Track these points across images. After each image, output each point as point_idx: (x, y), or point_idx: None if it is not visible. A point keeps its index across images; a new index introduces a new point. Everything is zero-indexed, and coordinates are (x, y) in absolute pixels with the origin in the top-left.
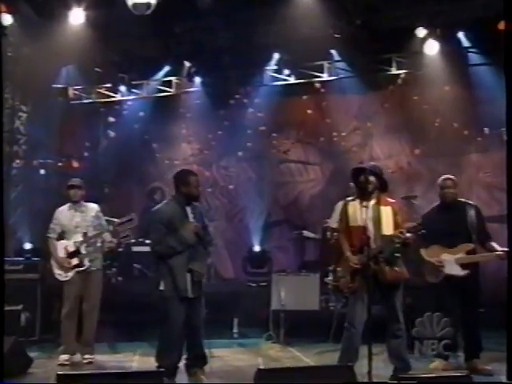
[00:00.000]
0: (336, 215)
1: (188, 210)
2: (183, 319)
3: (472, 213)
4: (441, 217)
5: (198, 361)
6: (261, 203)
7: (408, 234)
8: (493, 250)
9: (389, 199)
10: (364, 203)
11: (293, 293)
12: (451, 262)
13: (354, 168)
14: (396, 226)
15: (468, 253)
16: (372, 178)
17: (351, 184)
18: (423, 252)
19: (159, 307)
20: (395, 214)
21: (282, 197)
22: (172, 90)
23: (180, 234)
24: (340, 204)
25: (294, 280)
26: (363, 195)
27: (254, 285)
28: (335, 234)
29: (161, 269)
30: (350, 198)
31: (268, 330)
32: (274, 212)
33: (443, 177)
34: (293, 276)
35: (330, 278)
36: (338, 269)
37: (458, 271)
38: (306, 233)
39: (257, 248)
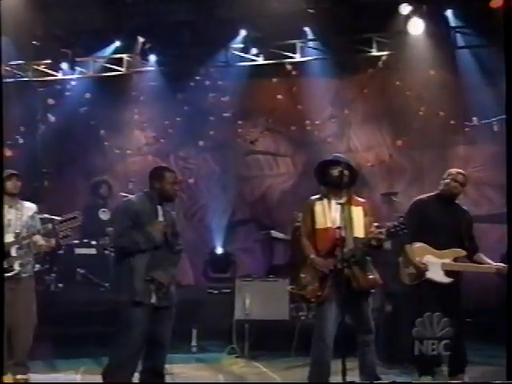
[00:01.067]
0: None
1: (159, 209)
2: (143, 330)
3: (467, 217)
4: (437, 210)
5: (153, 378)
6: (224, 200)
7: (383, 236)
8: (482, 262)
9: (359, 198)
10: (334, 202)
11: (259, 301)
12: (436, 266)
13: (324, 161)
14: (366, 228)
15: (456, 260)
16: (346, 173)
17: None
18: (407, 248)
19: (115, 315)
20: (365, 215)
21: (248, 192)
22: (123, 69)
23: (147, 230)
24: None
25: (261, 286)
26: (335, 193)
27: (215, 292)
28: (301, 236)
29: (119, 269)
30: (315, 197)
31: (231, 342)
32: (239, 210)
33: (457, 170)
34: (259, 282)
35: (294, 285)
36: (303, 275)
37: (442, 278)
38: (274, 233)
39: (219, 250)
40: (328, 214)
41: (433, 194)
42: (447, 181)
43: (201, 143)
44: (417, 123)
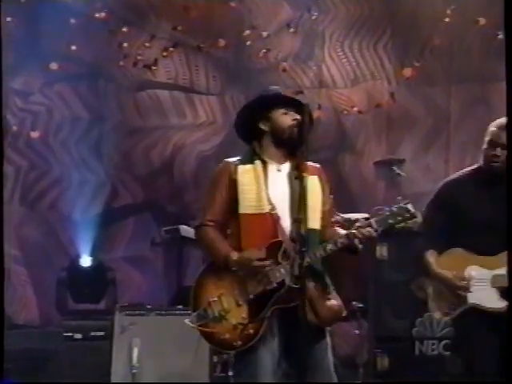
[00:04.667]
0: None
1: None
2: None
3: None
4: (479, 194)
5: None
6: (97, 170)
7: (365, 230)
8: None
9: (311, 163)
10: (273, 168)
11: (157, 351)
12: (485, 283)
13: (259, 97)
14: (326, 212)
15: None
16: (306, 120)
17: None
18: (432, 259)
19: None
20: (323, 190)
21: (140, 158)
22: None
23: None
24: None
25: (161, 325)
26: (274, 153)
27: (78, 337)
28: (204, 226)
29: None
30: (237, 159)
31: None
32: (123, 188)
33: (498, 123)
34: (158, 317)
35: (198, 318)
36: (213, 299)
37: (495, 302)
38: (186, 230)
39: (86, 261)
40: (263, 188)
41: (471, 169)
42: (485, 149)
43: (53, 66)
44: (439, 37)
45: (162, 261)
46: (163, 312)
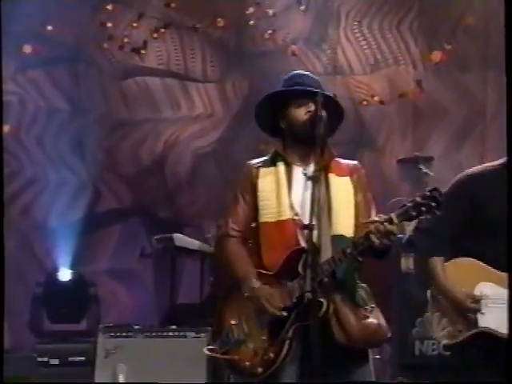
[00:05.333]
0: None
1: None
2: None
3: None
4: (504, 194)
5: None
6: (77, 169)
7: (383, 226)
8: None
9: (344, 161)
10: (298, 170)
11: (146, 378)
12: (500, 304)
13: (280, 91)
14: (359, 216)
15: None
16: (323, 114)
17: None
18: (439, 267)
19: None
20: (357, 192)
21: (127, 155)
22: None
23: None
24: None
25: (150, 348)
26: (299, 152)
27: (54, 362)
28: (225, 237)
29: None
30: (259, 161)
31: None
32: (107, 190)
33: None
34: (147, 339)
35: (217, 343)
36: (233, 322)
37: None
38: (181, 239)
39: (64, 275)
40: (285, 193)
41: (498, 163)
42: None
43: (26, 49)
44: (473, 15)
45: (153, 274)
46: (153, 334)
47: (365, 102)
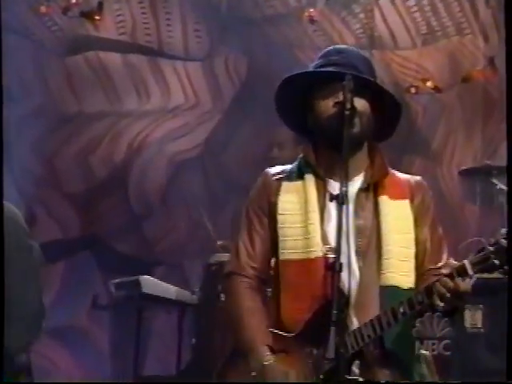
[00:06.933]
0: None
1: None
2: None
3: None
4: None
5: None
6: (4, 184)
7: (451, 281)
8: None
9: (401, 176)
10: (337, 185)
11: None
12: None
13: (308, 72)
14: (422, 256)
15: None
16: (364, 108)
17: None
18: None
19: None
20: (418, 222)
21: (73, 165)
22: None
23: None
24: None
25: None
26: (333, 160)
27: None
28: (235, 275)
29: None
30: (280, 171)
31: None
32: (44, 214)
33: None
34: None
35: None
36: None
37: None
38: (148, 283)
39: None
40: (315, 219)
41: None
42: None
43: None
44: None
45: (110, 334)
46: None
47: (413, 90)
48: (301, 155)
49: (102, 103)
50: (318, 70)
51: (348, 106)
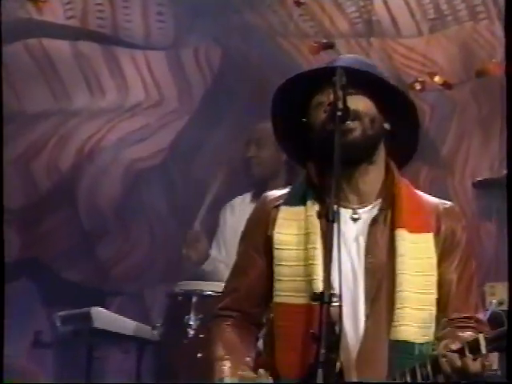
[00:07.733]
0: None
1: None
2: None
3: None
4: None
5: None
6: None
7: (458, 358)
8: None
9: (424, 198)
10: (346, 212)
11: None
12: None
13: (312, 70)
14: (444, 305)
15: None
16: (367, 108)
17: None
18: None
19: None
20: (446, 262)
21: (12, 175)
22: None
23: None
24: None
25: None
26: (342, 182)
27: None
28: (218, 318)
29: None
30: (280, 195)
31: None
32: None
33: None
34: None
35: None
36: None
37: None
38: (101, 317)
39: None
40: (318, 255)
41: None
42: None
43: None
44: None
45: (55, 377)
46: None
47: (418, 86)
48: (303, 176)
49: (46, 100)
50: (304, 71)
51: (340, 105)
